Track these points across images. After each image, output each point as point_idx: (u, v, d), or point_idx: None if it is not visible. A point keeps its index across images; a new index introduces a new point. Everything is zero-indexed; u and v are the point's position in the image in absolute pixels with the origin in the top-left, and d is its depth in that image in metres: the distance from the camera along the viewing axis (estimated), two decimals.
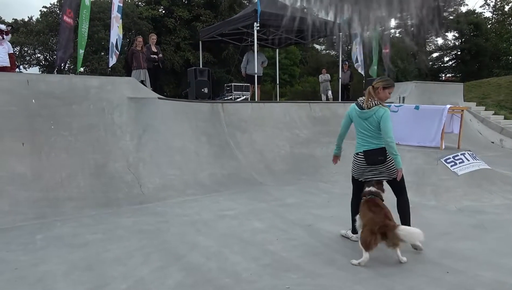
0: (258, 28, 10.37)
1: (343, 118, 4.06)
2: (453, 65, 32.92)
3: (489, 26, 32.50)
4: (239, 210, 5.26)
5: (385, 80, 3.90)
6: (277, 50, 16.16)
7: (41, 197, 5.36)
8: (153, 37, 10.13)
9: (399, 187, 3.82)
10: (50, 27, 23.19)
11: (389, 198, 3.79)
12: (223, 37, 13.42)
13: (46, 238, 4.17)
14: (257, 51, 10.96)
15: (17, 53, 22.96)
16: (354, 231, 3.90)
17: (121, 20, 9.66)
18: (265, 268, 3.37)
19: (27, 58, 24.91)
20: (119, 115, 6.80)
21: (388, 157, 3.74)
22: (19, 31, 22.86)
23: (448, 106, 6.71)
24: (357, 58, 14.41)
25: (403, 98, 11.77)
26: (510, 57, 28.49)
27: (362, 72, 14.58)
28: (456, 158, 6.18)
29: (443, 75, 33.05)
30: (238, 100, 11.03)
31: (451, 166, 6.03)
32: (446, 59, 33.37)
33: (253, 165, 7.57)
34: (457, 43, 32.03)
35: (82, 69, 9.06)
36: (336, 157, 4.24)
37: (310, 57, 36.51)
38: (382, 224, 3.36)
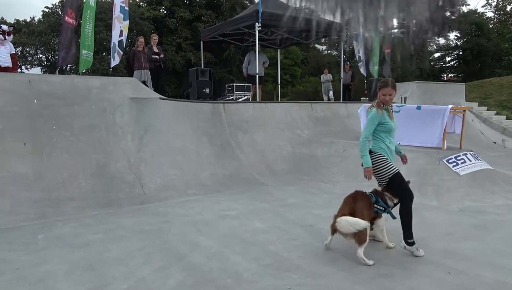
0: (260, 28, 10.38)
1: None
2: (455, 65, 32.89)
3: (491, 26, 32.45)
4: (240, 210, 5.25)
5: (381, 80, 3.91)
6: (279, 50, 16.17)
7: (43, 197, 5.37)
8: (155, 38, 10.14)
9: (397, 191, 3.74)
10: (52, 28, 23.23)
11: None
12: (225, 38, 13.43)
13: (48, 238, 4.17)
14: (259, 52, 10.97)
15: (19, 53, 23.00)
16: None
17: (125, 21, 9.60)
18: (266, 268, 3.37)
19: (29, 58, 24.97)
20: (120, 115, 6.81)
21: (374, 161, 3.71)
22: (21, 31, 22.90)
23: (450, 106, 6.70)
24: (359, 58, 14.41)
25: (405, 98, 11.76)
26: None
27: (364, 72, 14.57)
28: (458, 158, 6.16)
29: (445, 75, 33.01)
30: (240, 100, 11.03)
31: (453, 166, 6.01)
32: (448, 59, 33.33)
33: (254, 165, 7.57)
34: (459, 43, 31.97)
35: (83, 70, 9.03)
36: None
37: (312, 57, 36.50)
38: (334, 218, 3.58)
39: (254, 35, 10.58)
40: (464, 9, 31.59)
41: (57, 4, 24.57)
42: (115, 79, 7.57)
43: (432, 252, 3.68)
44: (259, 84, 11.27)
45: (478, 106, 14.97)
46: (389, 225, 3.89)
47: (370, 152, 3.74)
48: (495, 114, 14.50)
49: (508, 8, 30.93)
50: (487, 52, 29.36)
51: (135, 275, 3.26)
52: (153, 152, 6.69)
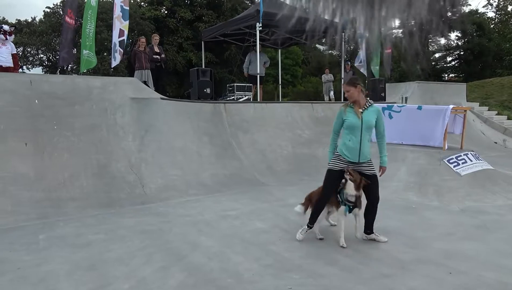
0: (261, 28, 10.38)
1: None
2: (456, 65, 32.82)
3: (492, 26, 32.40)
4: (241, 211, 5.26)
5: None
6: (279, 50, 16.17)
7: (44, 197, 5.38)
8: (156, 38, 10.14)
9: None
10: (53, 28, 23.25)
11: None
12: (226, 38, 13.44)
13: (49, 238, 4.18)
14: (259, 52, 10.97)
15: (20, 53, 23.02)
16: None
17: (125, 21, 9.60)
18: (267, 269, 3.37)
19: (30, 58, 25.00)
20: (121, 116, 6.82)
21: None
22: (22, 31, 22.93)
23: (451, 106, 6.70)
24: (360, 58, 14.40)
25: (406, 98, 11.76)
26: None
27: (365, 72, 14.56)
28: (459, 158, 6.16)
29: (446, 75, 32.95)
30: (240, 100, 11.05)
31: (454, 166, 6.01)
32: (449, 59, 33.29)
33: (255, 165, 7.58)
34: (460, 43, 31.93)
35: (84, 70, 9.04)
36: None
37: (313, 57, 36.48)
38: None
39: (255, 35, 10.58)
40: (465, 9, 31.58)
41: (58, 4, 24.60)
42: (116, 79, 7.58)
43: (433, 252, 3.67)
44: (260, 84, 11.27)
45: (479, 106, 14.95)
46: (390, 224, 3.89)
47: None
48: (496, 114, 14.49)
49: (509, 8, 30.91)
50: (488, 52, 29.31)
51: (136, 275, 3.26)
52: (154, 152, 6.69)
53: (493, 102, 15.69)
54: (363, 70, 14.58)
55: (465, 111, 7.10)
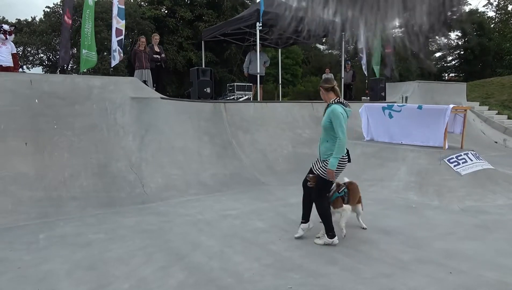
0: (261, 28, 10.37)
1: (345, 121, 3.85)
2: (456, 64, 32.81)
3: (492, 25, 32.38)
4: (241, 210, 5.26)
5: None
6: (280, 50, 16.15)
7: (44, 196, 5.38)
8: (156, 37, 10.14)
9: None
10: (53, 27, 23.22)
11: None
12: (226, 37, 13.42)
13: (49, 238, 4.18)
14: (260, 51, 10.96)
15: (20, 53, 23.00)
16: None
17: (122, 21, 9.61)
18: (267, 268, 3.37)
19: (30, 58, 24.97)
20: (121, 115, 6.81)
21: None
22: (22, 31, 22.90)
23: (451, 105, 6.69)
24: (361, 58, 14.40)
25: (406, 97, 11.75)
26: None
27: (366, 72, 14.55)
28: (459, 158, 6.16)
29: (446, 74, 32.94)
30: (241, 100, 11.03)
31: (454, 166, 6.01)
32: (449, 58, 33.26)
33: (256, 165, 7.57)
34: (460, 43, 31.91)
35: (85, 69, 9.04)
36: None
37: (313, 57, 36.46)
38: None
39: (255, 34, 10.57)
40: (466, 8, 31.53)
41: (58, 3, 24.59)
42: (116, 79, 7.58)
43: (433, 252, 3.68)
44: (260, 84, 11.26)
45: (480, 105, 14.95)
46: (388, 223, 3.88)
47: None
48: (496, 114, 14.48)
49: (510, 8, 30.87)
50: (488, 51, 29.30)
51: (136, 274, 3.27)
52: (154, 152, 6.69)
53: (493, 102, 15.68)
54: (364, 70, 14.59)
55: (465, 110, 7.09)
